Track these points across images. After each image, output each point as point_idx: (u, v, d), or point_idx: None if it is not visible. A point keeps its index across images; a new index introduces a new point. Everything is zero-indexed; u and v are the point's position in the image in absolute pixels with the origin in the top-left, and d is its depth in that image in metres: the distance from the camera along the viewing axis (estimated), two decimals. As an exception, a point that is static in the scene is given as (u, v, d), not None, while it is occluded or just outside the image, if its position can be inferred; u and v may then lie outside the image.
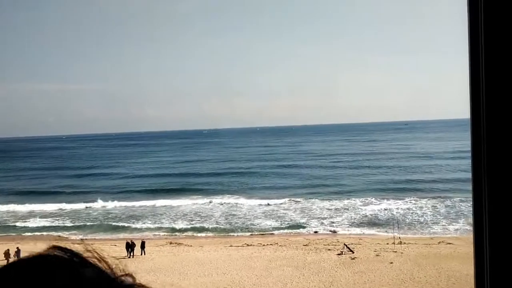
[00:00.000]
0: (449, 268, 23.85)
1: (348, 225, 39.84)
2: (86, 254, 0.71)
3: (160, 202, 49.30)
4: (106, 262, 0.73)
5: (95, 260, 0.71)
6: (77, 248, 0.71)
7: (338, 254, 26.91)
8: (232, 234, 36.92)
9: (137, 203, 48.98)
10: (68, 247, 0.72)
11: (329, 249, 28.58)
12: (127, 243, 27.75)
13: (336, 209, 45.72)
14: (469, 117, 1.29)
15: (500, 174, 1.23)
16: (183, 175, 71.44)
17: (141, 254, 27.90)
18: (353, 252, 27.00)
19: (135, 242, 29.22)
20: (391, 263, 25.12)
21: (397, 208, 45.48)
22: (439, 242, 31.59)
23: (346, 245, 27.60)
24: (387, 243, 30.69)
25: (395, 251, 27.57)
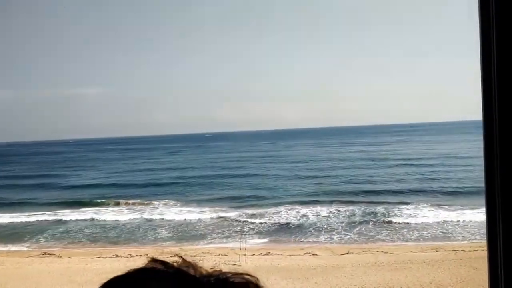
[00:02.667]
0: (264, 282, 24.29)
1: (243, 235, 40.38)
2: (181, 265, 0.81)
3: (78, 215, 49.94)
4: (200, 270, 0.82)
5: (191, 269, 0.81)
6: (174, 260, 0.82)
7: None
8: (115, 245, 37.86)
9: (55, 216, 49.70)
10: (165, 260, 0.82)
11: (176, 261, 29.21)
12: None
13: (250, 219, 46.24)
14: (482, 118, 1.30)
15: None
16: (131, 185, 72.11)
17: (-12, 266, 29.15)
18: (190, 265, 27.62)
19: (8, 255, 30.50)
20: (215, 276, 25.66)
21: (312, 217, 45.90)
22: (304, 254, 32.05)
23: (181, 257, 28.21)
24: (253, 254, 31.24)
25: (234, 264, 28.08)
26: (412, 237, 37.58)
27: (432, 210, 45.11)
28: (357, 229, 39.51)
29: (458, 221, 38.35)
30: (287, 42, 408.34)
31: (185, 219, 46.94)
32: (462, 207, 43.42)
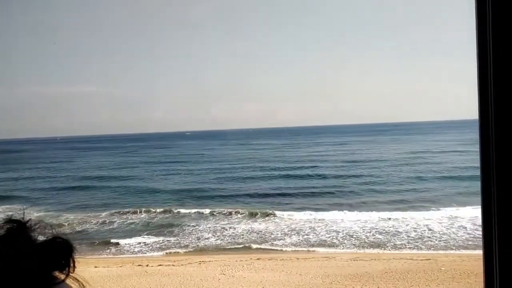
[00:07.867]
0: None
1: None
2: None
3: None
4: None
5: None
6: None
7: None
8: None
9: None
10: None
11: None
12: None
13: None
14: (478, 118, 1.31)
15: (510, 177, 1.25)
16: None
17: None
18: None
19: None
20: None
21: (116, 224, 47.05)
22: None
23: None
24: None
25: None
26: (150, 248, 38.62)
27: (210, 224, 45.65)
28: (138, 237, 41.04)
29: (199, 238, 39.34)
30: (286, 42, 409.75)
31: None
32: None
